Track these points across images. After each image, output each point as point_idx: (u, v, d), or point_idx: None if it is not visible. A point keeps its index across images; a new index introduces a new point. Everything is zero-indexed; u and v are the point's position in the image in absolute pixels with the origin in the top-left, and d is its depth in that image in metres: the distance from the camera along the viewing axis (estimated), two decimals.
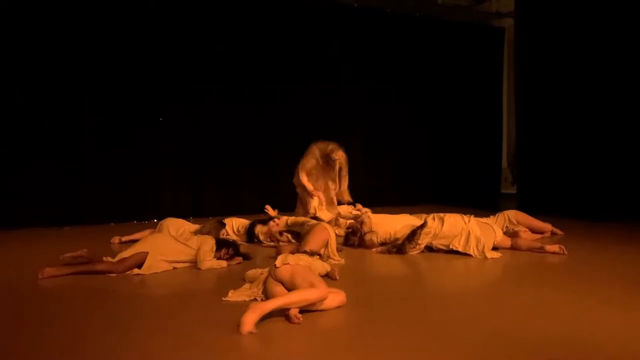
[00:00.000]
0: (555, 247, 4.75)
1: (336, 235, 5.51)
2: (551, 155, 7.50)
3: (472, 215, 4.91)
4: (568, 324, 2.88)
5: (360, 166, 8.44)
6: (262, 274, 3.49)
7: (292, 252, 3.77)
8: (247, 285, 3.54)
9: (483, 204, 8.02)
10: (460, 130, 9.48)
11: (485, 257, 4.58)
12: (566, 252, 4.68)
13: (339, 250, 4.70)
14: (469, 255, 4.66)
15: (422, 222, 4.95)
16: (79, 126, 6.64)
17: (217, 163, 7.47)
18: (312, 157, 5.82)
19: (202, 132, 7.36)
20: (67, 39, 6.50)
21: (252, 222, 5.50)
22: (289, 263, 3.25)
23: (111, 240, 5.34)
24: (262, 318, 2.79)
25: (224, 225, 5.27)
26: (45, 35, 6.39)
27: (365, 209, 5.39)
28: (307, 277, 3.14)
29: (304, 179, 5.75)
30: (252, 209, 6.15)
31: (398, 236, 5.01)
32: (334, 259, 4.48)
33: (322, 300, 3.03)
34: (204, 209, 7.15)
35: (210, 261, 4.29)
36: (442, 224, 4.78)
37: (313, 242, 4.35)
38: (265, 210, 5.43)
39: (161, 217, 6.94)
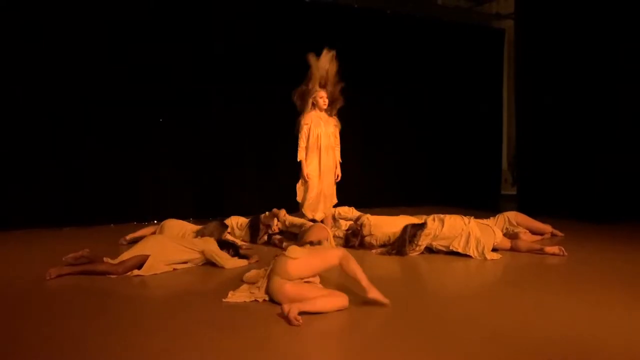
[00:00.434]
0: (554, 249, 4.75)
1: (335, 236, 5.53)
2: (551, 156, 7.50)
3: (472, 217, 4.91)
4: (568, 325, 2.88)
5: (360, 167, 8.46)
6: (265, 270, 3.50)
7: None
8: (245, 287, 3.55)
9: (483, 205, 8.02)
10: (460, 131, 9.48)
11: (485, 259, 4.58)
12: (566, 254, 4.68)
13: None
14: (469, 256, 4.66)
15: (421, 222, 4.95)
16: (79, 126, 6.63)
17: (217, 163, 7.46)
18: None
19: (202, 132, 7.35)
20: (67, 39, 6.50)
21: (254, 216, 5.55)
22: (300, 257, 3.24)
23: (120, 241, 5.31)
24: (259, 320, 2.78)
25: (226, 227, 5.27)
26: (45, 35, 6.38)
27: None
28: (319, 264, 3.30)
29: (302, 153, 5.50)
30: (252, 210, 6.14)
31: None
32: None
33: (342, 308, 3.14)
34: (204, 209, 7.14)
35: (234, 260, 4.37)
36: (442, 225, 4.78)
37: (311, 237, 4.38)
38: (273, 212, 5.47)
39: (161, 218, 6.94)
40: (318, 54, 8.22)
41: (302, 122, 5.56)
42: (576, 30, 7.08)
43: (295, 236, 5.06)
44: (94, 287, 3.73)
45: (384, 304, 3.18)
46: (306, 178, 5.46)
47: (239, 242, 5.25)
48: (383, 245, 5.08)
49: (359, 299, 3.43)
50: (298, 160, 5.50)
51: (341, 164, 5.75)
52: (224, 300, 3.34)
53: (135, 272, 4.04)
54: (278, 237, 5.42)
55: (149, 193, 7.02)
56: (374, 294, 3.18)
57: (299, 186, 5.56)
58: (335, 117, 5.71)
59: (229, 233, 5.37)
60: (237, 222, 5.68)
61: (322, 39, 8.30)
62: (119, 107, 6.80)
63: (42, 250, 5.18)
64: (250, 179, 7.66)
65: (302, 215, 5.58)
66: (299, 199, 5.56)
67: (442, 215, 4.90)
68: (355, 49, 8.57)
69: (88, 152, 6.67)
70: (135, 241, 5.08)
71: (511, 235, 5.25)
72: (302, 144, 5.49)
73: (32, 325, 2.93)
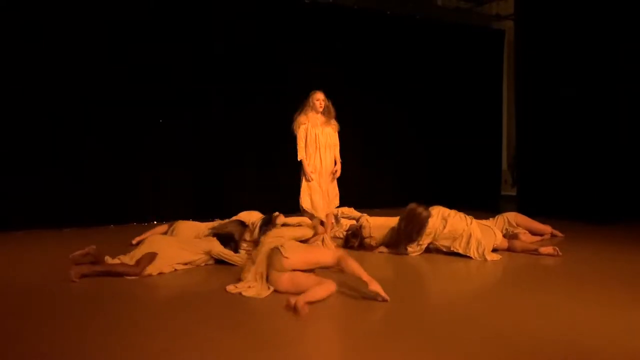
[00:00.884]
0: (549, 249, 4.76)
1: (336, 237, 5.54)
2: (551, 157, 7.49)
3: (473, 218, 4.91)
4: (568, 325, 2.88)
5: (360, 167, 8.46)
6: (256, 265, 3.67)
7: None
8: (245, 282, 3.63)
9: (483, 205, 8.01)
10: (460, 131, 9.47)
11: (485, 260, 4.58)
12: (560, 254, 4.69)
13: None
14: (469, 257, 4.66)
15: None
16: (79, 126, 6.62)
17: (217, 163, 7.46)
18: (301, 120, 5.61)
19: (202, 132, 7.34)
20: (67, 39, 6.49)
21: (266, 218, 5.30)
22: (291, 257, 3.51)
23: (132, 242, 5.21)
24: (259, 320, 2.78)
25: (246, 226, 5.18)
26: (45, 35, 6.38)
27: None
28: (312, 258, 3.58)
29: (301, 152, 5.48)
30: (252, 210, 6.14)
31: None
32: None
33: (332, 292, 3.38)
34: (204, 209, 7.12)
35: (240, 255, 4.52)
36: (444, 226, 4.77)
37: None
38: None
39: (161, 218, 6.97)
40: (318, 54, 8.27)
41: (299, 122, 5.54)
42: (576, 31, 7.08)
43: None
44: (93, 287, 3.73)
45: (384, 298, 3.30)
46: (309, 176, 5.45)
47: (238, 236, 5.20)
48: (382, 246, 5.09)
49: (359, 300, 3.43)
50: (298, 159, 5.49)
51: (342, 164, 5.73)
52: (227, 289, 3.55)
53: (148, 270, 4.04)
54: (246, 247, 5.02)
55: (149, 193, 7.00)
56: (374, 286, 3.33)
57: (304, 188, 5.53)
58: (334, 120, 5.66)
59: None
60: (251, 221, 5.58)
61: (322, 40, 8.35)
62: (119, 107, 6.79)
63: (42, 251, 5.18)
64: (250, 179, 7.65)
65: (304, 213, 5.61)
66: (303, 204, 5.53)
67: (446, 213, 4.88)
68: (355, 50, 8.59)
69: (88, 152, 6.66)
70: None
71: (510, 236, 5.25)
72: (301, 143, 5.48)
73: (33, 325, 2.93)
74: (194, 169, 7.31)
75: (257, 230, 4.94)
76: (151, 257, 4.12)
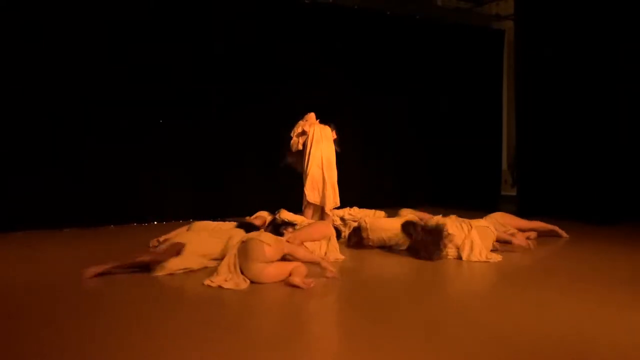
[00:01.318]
0: (523, 241, 4.88)
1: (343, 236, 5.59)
2: (551, 157, 7.49)
3: (470, 223, 4.87)
4: (568, 326, 2.87)
5: (360, 167, 8.46)
6: (231, 256, 3.83)
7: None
8: (221, 277, 3.71)
9: (483, 205, 8.01)
10: (460, 131, 9.47)
11: (488, 261, 4.56)
12: (532, 247, 4.86)
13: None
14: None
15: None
16: (79, 126, 6.61)
17: (217, 163, 7.45)
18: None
19: (202, 132, 7.34)
20: (67, 39, 6.48)
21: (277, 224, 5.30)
22: (273, 244, 3.77)
23: (150, 244, 5.18)
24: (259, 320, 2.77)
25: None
26: (45, 35, 6.37)
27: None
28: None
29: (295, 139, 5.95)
30: (252, 210, 6.13)
31: (392, 243, 5.04)
32: (336, 256, 4.67)
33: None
34: (204, 209, 7.13)
35: None
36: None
37: (310, 233, 4.55)
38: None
39: (161, 219, 6.99)
40: (318, 54, 8.27)
41: (299, 123, 5.97)
42: (576, 31, 7.08)
43: None
44: (93, 288, 3.73)
45: (334, 275, 3.78)
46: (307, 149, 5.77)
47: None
48: (382, 247, 5.10)
49: (359, 300, 3.43)
50: (291, 145, 5.77)
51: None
52: (204, 283, 3.65)
53: (173, 265, 4.01)
54: None
55: (149, 193, 7.00)
56: (324, 263, 3.87)
57: (310, 181, 5.75)
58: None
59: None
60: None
61: (322, 40, 8.35)
62: (119, 107, 6.79)
63: (42, 251, 5.18)
64: (250, 179, 7.65)
65: (307, 205, 5.70)
66: (309, 197, 5.74)
67: (440, 220, 4.87)
68: (355, 50, 8.59)
69: (88, 152, 6.65)
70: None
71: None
72: (295, 134, 5.90)
73: (33, 325, 2.93)
74: (194, 168, 7.31)
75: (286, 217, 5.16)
76: (178, 247, 4.10)
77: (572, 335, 2.73)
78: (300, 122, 6.04)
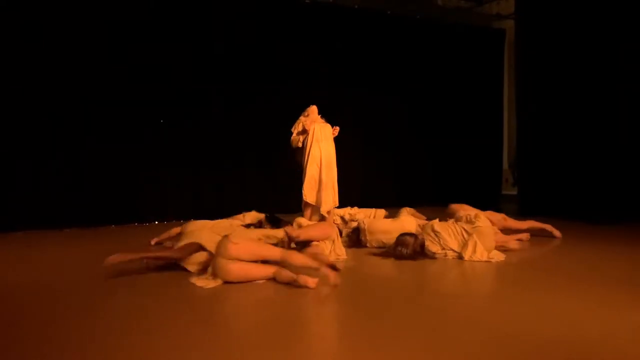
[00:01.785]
0: (514, 244, 4.98)
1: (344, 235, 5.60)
2: (552, 156, 7.49)
3: (472, 226, 4.86)
4: (568, 326, 2.87)
5: (361, 167, 8.46)
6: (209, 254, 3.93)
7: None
8: (206, 276, 3.80)
9: (483, 205, 7.99)
10: (461, 131, 9.47)
11: (490, 261, 4.55)
12: (516, 248, 4.93)
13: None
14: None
15: (414, 228, 5.01)
16: (79, 126, 6.62)
17: (217, 163, 7.46)
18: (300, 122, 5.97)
19: (202, 132, 7.35)
20: (67, 39, 6.49)
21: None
22: (240, 243, 3.69)
23: (151, 242, 5.24)
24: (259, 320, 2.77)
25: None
26: (45, 35, 6.38)
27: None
28: (258, 250, 3.74)
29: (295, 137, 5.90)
30: (252, 210, 6.15)
31: (390, 244, 5.05)
32: (339, 255, 4.72)
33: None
34: (204, 209, 7.14)
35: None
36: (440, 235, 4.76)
37: (313, 231, 4.52)
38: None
39: (161, 218, 6.99)
40: (318, 54, 8.27)
41: (300, 119, 5.90)
42: (576, 31, 7.07)
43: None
44: (92, 288, 3.74)
45: (334, 282, 3.54)
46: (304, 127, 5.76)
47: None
48: (382, 247, 5.11)
49: (359, 300, 3.43)
50: (291, 141, 5.79)
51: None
52: (191, 280, 3.75)
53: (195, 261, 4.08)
54: None
55: (149, 193, 7.01)
56: (324, 269, 3.61)
57: (308, 181, 5.72)
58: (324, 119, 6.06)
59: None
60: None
61: (322, 39, 8.35)
62: (119, 107, 6.80)
63: (43, 251, 5.18)
64: (250, 179, 7.66)
65: (306, 205, 5.71)
66: (307, 198, 5.71)
67: (438, 226, 4.86)
68: (356, 50, 8.59)
69: (88, 152, 6.67)
70: (161, 243, 5.14)
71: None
72: (295, 130, 5.84)
73: (34, 326, 2.93)
74: (194, 169, 7.31)
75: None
76: (195, 247, 4.12)
77: (572, 334, 2.72)
78: (302, 118, 5.93)
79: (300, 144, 5.89)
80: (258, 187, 7.62)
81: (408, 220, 5.31)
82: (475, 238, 4.67)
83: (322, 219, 5.76)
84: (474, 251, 4.62)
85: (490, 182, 9.95)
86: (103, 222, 6.66)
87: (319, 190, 5.70)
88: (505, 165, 10.49)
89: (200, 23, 7.30)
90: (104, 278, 3.92)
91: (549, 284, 3.84)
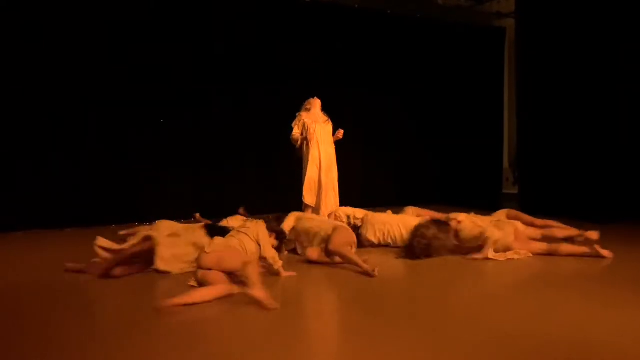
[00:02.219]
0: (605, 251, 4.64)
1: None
2: (552, 155, 7.49)
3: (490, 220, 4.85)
4: (569, 325, 2.87)
5: (361, 167, 8.46)
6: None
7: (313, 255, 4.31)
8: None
9: (484, 204, 8.00)
10: (461, 130, 9.47)
11: (512, 258, 4.54)
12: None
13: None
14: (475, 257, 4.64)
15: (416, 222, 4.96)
16: (79, 127, 6.63)
17: (217, 163, 7.47)
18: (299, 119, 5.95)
19: (202, 132, 7.35)
20: (67, 39, 6.50)
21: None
22: (214, 250, 3.61)
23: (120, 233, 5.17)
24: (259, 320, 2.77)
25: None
26: (45, 35, 6.38)
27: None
28: (229, 263, 3.56)
29: (295, 133, 5.87)
30: (252, 210, 6.15)
31: (389, 238, 5.06)
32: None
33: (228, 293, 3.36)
34: (204, 209, 7.13)
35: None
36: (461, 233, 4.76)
37: (337, 242, 4.38)
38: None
39: (162, 218, 6.95)
40: (318, 54, 8.27)
41: (300, 116, 5.91)
42: (577, 30, 7.07)
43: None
44: (92, 288, 3.74)
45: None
46: (300, 139, 5.78)
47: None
48: (379, 245, 5.11)
49: (360, 300, 3.43)
50: (292, 136, 5.83)
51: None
52: (189, 284, 3.67)
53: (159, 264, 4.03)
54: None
55: (149, 193, 7.01)
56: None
57: (307, 184, 5.70)
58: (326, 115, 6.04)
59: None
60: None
61: (322, 39, 8.34)
62: (119, 106, 6.80)
63: (43, 251, 5.19)
64: (250, 179, 7.66)
65: (306, 207, 5.70)
66: (306, 200, 5.69)
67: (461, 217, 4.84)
68: (356, 49, 8.58)
69: (88, 152, 6.67)
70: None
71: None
72: (295, 130, 5.87)
73: (33, 326, 2.94)
74: (194, 168, 7.32)
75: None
76: (149, 242, 4.09)
77: (574, 334, 2.72)
78: (303, 114, 5.90)
79: (299, 144, 5.86)
80: (258, 187, 7.62)
81: (409, 217, 5.31)
82: (495, 233, 4.63)
83: None
84: (497, 248, 4.57)
85: (491, 181, 9.94)
86: (103, 222, 6.66)
87: (318, 193, 5.67)
88: (505, 164, 10.48)
89: (200, 23, 7.30)
90: (104, 278, 3.93)
91: (552, 283, 3.84)
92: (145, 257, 4.09)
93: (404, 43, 9.01)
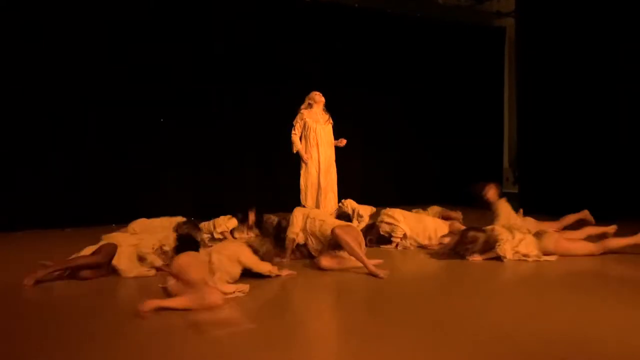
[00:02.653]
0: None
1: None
2: (552, 154, 7.49)
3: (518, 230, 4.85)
4: (573, 325, 2.87)
5: (361, 167, 8.46)
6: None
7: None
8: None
9: (484, 203, 7.99)
10: (461, 129, 9.47)
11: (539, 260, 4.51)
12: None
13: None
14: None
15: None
16: (79, 126, 6.63)
17: (217, 163, 7.47)
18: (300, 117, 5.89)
19: (202, 132, 7.36)
20: (67, 39, 6.50)
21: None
22: (184, 259, 3.31)
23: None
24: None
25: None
26: (45, 35, 6.39)
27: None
28: (191, 277, 3.21)
29: (296, 144, 5.79)
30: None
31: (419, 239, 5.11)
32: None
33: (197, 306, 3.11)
34: (204, 209, 7.13)
35: None
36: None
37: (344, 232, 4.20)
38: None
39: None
40: (318, 54, 8.26)
41: (301, 115, 5.84)
42: (577, 29, 7.07)
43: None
44: (92, 288, 3.74)
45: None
46: (305, 160, 5.66)
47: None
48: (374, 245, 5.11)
49: (360, 300, 3.43)
50: (292, 139, 5.78)
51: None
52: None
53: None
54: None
55: (149, 193, 7.01)
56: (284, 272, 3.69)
57: (305, 185, 5.66)
58: (327, 114, 5.97)
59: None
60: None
61: (322, 39, 8.35)
62: (119, 107, 6.81)
63: (43, 251, 5.17)
64: (250, 179, 7.66)
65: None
66: (305, 202, 5.66)
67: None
68: (356, 49, 8.58)
69: (88, 152, 6.68)
70: None
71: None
72: (296, 132, 5.82)
73: (33, 326, 2.93)
74: (194, 168, 7.32)
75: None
76: (112, 248, 3.94)
77: (574, 334, 2.72)
78: (304, 111, 5.86)
79: (295, 151, 5.83)
80: (258, 187, 7.62)
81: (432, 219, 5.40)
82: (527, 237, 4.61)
83: None
84: (527, 251, 4.51)
85: (491, 181, 9.90)
86: (103, 222, 6.65)
87: (318, 195, 5.66)
88: (505, 164, 10.48)
89: (200, 23, 7.31)
90: (104, 278, 3.93)
91: (553, 283, 3.84)
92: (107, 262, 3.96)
93: (404, 43, 9.01)
